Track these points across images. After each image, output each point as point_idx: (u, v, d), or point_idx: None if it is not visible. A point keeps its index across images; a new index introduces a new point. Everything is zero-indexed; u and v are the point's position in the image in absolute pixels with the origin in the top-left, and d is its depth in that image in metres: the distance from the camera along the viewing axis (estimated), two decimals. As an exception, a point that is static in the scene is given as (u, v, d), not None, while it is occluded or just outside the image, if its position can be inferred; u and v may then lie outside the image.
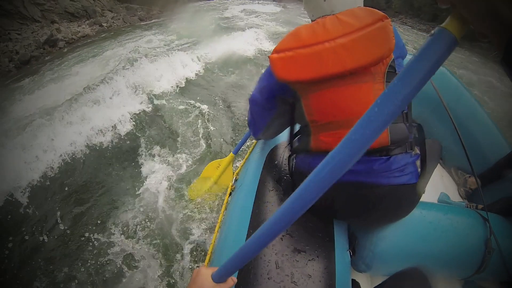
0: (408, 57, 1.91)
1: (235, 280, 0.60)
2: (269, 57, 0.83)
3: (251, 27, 8.25)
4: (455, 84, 1.82)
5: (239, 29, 7.86)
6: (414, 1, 15.08)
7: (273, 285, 0.74)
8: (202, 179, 1.97)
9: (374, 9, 0.79)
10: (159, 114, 3.91)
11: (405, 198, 0.86)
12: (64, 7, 10.57)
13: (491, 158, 1.54)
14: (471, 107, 1.70)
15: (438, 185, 1.63)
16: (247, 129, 1.49)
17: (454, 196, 1.60)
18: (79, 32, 8.66)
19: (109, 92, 4.23)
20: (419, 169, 0.87)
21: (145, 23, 10.89)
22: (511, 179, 1.46)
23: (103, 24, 9.66)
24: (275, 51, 0.83)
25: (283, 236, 0.86)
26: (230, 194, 1.30)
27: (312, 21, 0.93)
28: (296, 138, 1.04)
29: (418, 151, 0.89)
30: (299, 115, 0.90)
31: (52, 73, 6.06)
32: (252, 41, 6.70)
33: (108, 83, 4.65)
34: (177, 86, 4.63)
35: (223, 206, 1.31)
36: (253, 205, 0.98)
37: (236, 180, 1.37)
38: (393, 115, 0.33)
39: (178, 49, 6.32)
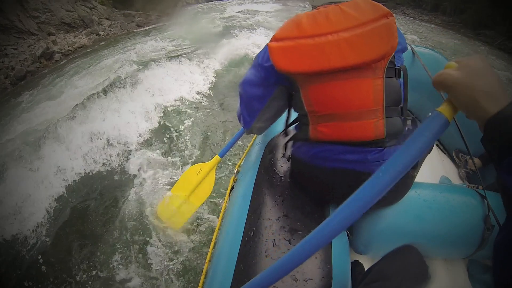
0: (416, 49, 1.83)
1: None
2: (267, 45, 0.81)
3: (253, 27, 7.93)
4: None
5: (240, 29, 7.56)
6: (415, -9, 14.86)
7: (271, 262, 0.78)
8: (175, 195, 1.69)
9: (378, 3, 0.77)
10: (163, 124, 3.76)
11: (398, 185, 0.84)
12: (60, 18, 10.34)
13: None
14: None
15: (439, 169, 1.65)
16: (237, 130, 1.48)
17: (456, 179, 1.63)
18: (76, 42, 8.37)
19: (108, 105, 4.31)
20: None
21: (143, 29, 10.60)
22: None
23: (100, 33, 9.37)
24: (275, 39, 0.81)
25: (279, 217, 0.90)
26: (233, 187, 1.30)
27: (313, 7, 0.90)
28: (294, 125, 1.02)
29: None
30: (297, 104, 0.88)
31: (49, 88, 5.80)
32: (255, 41, 6.40)
33: (106, 95, 4.59)
34: (179, 96, 4.40)
35: (226, 198, 1.33)
36: (252, 192, 1.01)
37: (238, 172, 1.39)
38: (395, 179, 0.40)
39: (176, 55, 6.04)
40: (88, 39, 8.87)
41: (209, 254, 1.12)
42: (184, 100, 4.33)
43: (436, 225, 0.97)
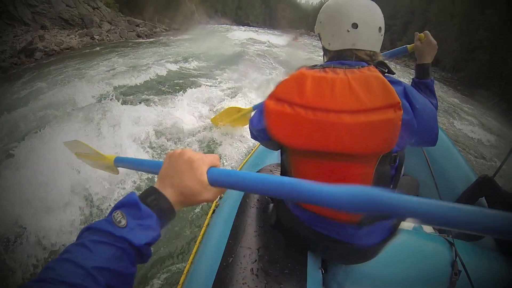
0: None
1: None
2: (265, 102, 0.76)
3: (263, 56, 7.47)
4: None
5: (249, 55, 7.04)
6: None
7: None
8: (225, 113, 2.66)
9: (391, 86, 0.68)
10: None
11: (373, 252, 0.92)
12: (58, 12, 9.76)
13: (460, 189, 1.71)
14: (444, 144, 1.88)
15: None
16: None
17: (427, 228, 1.76)
18: (63, 42, 7.70)
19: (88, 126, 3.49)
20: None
21: (144, 40, 10.07)
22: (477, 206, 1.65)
23: (94, 36, 8.76)
24: (274, 97, 0.75)
25: (259, 247, 0.92)
26: (214, 211, 1.32)
27: (325, 50, 0.86)
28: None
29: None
30: (284, 163, 0.89)
31: (16, 92, 5.01)
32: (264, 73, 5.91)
33: (81, 113, 3.86)
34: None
35: (206, 222, 1.32)
36: (234, 219, 1.04)
37: (220, 198, 1.41)
38: None
39: (171, 86, 5.42)
40: (80, 40, 8.22)
41: (183, 277, 1.09)
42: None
43: (407, 268, 1.04)
